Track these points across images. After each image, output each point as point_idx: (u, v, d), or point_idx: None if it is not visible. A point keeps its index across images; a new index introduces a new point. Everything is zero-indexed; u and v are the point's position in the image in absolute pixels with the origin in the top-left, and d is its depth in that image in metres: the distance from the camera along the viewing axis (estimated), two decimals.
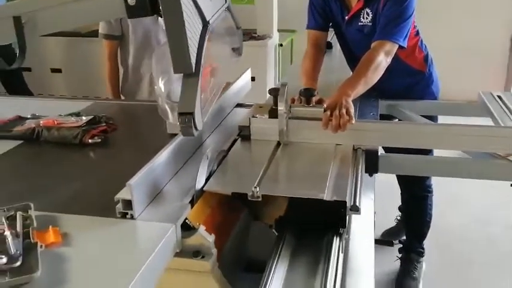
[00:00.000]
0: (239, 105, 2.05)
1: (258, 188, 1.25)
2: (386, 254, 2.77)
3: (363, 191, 1.38)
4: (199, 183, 1.28)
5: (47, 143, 1.65)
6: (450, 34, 4.91)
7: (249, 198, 1.25)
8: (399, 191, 2.66)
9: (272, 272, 1.14)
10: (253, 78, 2.36)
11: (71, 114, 1.79)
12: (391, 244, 2.87)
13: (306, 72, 2.07)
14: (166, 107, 1.18)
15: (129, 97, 2.88)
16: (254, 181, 1.32)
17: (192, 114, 1.05)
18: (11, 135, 1.69)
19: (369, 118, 1.92)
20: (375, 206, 1.55)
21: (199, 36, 1.13)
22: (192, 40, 1.07)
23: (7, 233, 0.99)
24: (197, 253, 1.15)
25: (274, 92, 1.63)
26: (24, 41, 1.10)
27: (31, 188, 1.35)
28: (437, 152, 2.10)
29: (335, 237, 1.27)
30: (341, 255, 1.24)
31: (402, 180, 2.56)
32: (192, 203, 1.23)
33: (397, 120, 2.22)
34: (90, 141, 1.62)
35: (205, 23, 1.17)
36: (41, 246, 0.99)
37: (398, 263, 2.71)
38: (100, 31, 2.79)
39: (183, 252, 1.14)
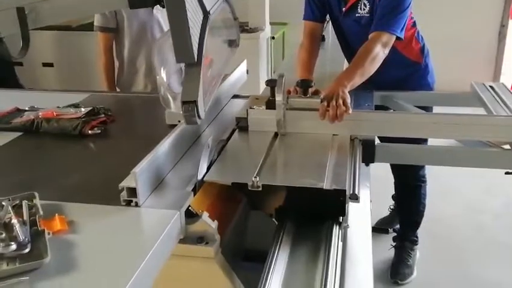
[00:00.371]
0: (235, 96, 2.07)
1: (258, 178, 1.27)
2: (381, 242, 2.82)
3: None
4: (201, 171, 1.30)
5: (47, 134, 1.65)
6: (439, 26, 4.94)
7: (250, 188, 1.27)
8: (393, 180, 2.69)
9: (274, 261, 1.15)
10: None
11: (70, 106, 1.80)
12: (386, 232, 2.92)
13: (302, 63, 2.08)
14: (168, 96, 1.20)
15: (125, 89, 2.89)
16: (254, 171, 1.34)
17: (195, 102, 1.08)
18: (10, 127, 1.69)
19: (364, 109, 1.93)
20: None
21: (200, 26, 1.14)
22: (193, 30, 1.09)
23: (14, 220, 1.01)
24: (201, 239, 1.17)
25: (271, 83, 1.63)
26: (27, 31, 1.11)
27: (33, 178, 1.36)
28: (431, 141, 2.13)
29: (334, 226, 1.29)
30: (340, 244, 1.26)
31: (397, 170, 2.59)
32: (195, 190, 1.25)
33: (392, 111, 2.25)
34: (90, 132, 1.63)
35: (206, 14, 1.18)
36: (48, 233, 1.00)
37: (392, 251, 2.75)
38: (95, 23, 2.79)
39: (187, 238, 1.17)
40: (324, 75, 2.20)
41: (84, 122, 1.65)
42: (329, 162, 1.42)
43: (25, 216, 1.06)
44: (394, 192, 2.91)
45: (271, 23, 4.85)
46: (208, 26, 1.17)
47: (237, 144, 1.62)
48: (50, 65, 4.88)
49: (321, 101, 1.62)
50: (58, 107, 1.81)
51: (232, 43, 1.69)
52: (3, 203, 1.09)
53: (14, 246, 0.94)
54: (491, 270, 2.73)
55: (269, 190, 1.31)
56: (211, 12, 1.20)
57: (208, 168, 1.37)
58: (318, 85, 1.75)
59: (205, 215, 1.18)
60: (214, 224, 1.18)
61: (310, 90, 1.70)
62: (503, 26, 5.48)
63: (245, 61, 2.22)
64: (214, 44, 1.47)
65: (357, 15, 2.09)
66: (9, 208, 1.06)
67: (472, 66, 5.48)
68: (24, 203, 1.10)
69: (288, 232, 1.29)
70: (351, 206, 1.41)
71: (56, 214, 1.08)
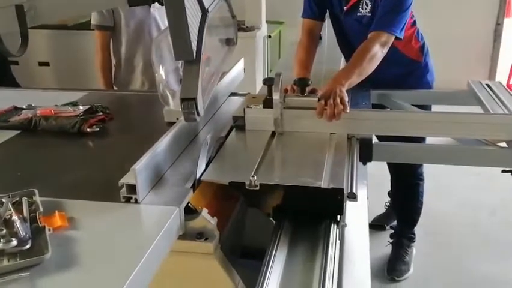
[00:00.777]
0: (233, 94, 2.08)
1: (255, 177, 1.27)
2: (378, 239, 2.83)
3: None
4: (200, 168, 1.30)
5: (45, 132, 1.66)
6: (434, 25, 4.94)
7: (247, 187, 1.26)
8: (388, 176, 2.71)
9: (272, 260, 1.16)
10: None
11: (68, 104, 1.80)
12: (383, 228, 2.93)
13: (300, 61, 2.08)
14: (167, 93, 1.21)
15: (122, 87, 2.89)
16: (251, 170, 1.34)
17: (194, 99, 1.08)
18: (8, 125, 1.69)
19: (361, 108, 1.92)
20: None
21: (199, 24, 1.15)
22: (192, 28, 1.09)
23: (15, 217, 1.02)
24: (200, 235, 1.18)
25: (268, 82, 1.63)
26: (26, 29, 1.12)
27: (32, 176, 1.36)
28: (429, 140, 2.14)
29: (332, 225, 1.29)
30: (338, 243, 1.26)
31: (394, 168, 2.60)
32: (194, 187, 1.25)
33: (389, 109, 2.25)
34: (88, 130, 1.63)
35: (204, 12, 1.19)
36: (49, 229, 1.01)
37: (389, 248, 2.77)
38: (92, 22, 2.80)
39: (187, 234, 1.17)
40: (320, 74, 2.20)
41: (82, 120, 1.65)
42: (326, 161, 1.42)
43: (25, 213, 1.06)
44: (390, 189, 2.93)
45: (267, 22, 4.85)
46: (206, 24, 1.18)
47: (234, 143, 1.62)
48: (46, 64, 4.87)
49: (319, 100, 1.62)
50: (56, 105, 1.81)
51: (230, 41, 1.69)
52: (3, 200, 1.09)
53: (14, 242, 0.94)
54: (487, 266, 2.74)
55: (266, 189, 1.30)
56: (209, 10, 1.21)
57: (206, 166, 1.37)
58: (314, 83, 1.76)
59: (205, 212, 1.19)
60: (213, 220, 1.19)
61: (308, 88, 1.69)
62: (498, 25, 5.50)
63: (242, 59, 2.23)
64: (212, 42, 1.48)
65: (358, 14, 2.09)
66: (10, 205, 1.07)
67: (467, 65, 5.49)
68: (24, 199, 1.11)
69: (286, 231, 1.29)
70: (349, 204, 1.41)
71: (56, 211, 1.09)
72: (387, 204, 3.11)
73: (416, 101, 2.24)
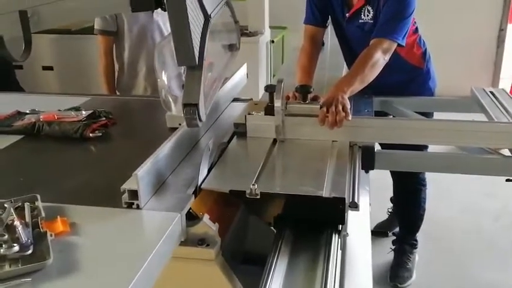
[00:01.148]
0: (235, 99, 2.08)
1: (256, 186, 1.25)
2: (380, 246, 2.82)
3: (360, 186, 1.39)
4: (202, 174, 1.30)
5: (48, 137, 1.66)
6: (437, 31, 4.95)
7: (247, 196, 1.25)
8: (391, 182, 2.70)
9: (272, 270, 1.15)
10: None
11: (71, 109, 1.81)
12: (385, 235, 2.92)
13: (302, 68, 2.08)
14: (170, 98, 1.21)
15: (124, 93, 2.90)
16: (252, 179, 1.33)
17: (196, 105, 1.08)
18: (11, 130, 1.70)
19: (364, 115, 1.91)
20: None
21: (201, 29, 1.15)
22: (194, 33, 1.09)
23: (17, 222, 1.02)
24: (201, 241, 1.18)
25: (270, 89, 1.62)
26: (30, 34, 1.12)
27: (35, 181, 1.37)
28: (432, 148, 2.13)
29: (334, 234, 1.28)
30: (340, 253, 1.25)
31: (397, 174, 2.59)
32: (195, 193, 1.25)
33: (391, 117, 2.24)
34: (91, 135, 1.64)
35: (207, 17, 1.19)
36: (50, 235, 1.01)
37: (391, 255, 2.76)
38: (95, 27, 2.81)
39: (188, 240, 1.17)
40: (322, 80, 2.19)
41: (85, 125, 1.66)
42: (328, 170, 1.40)
43: (27, 218, 1.06)
44: (392, 195, 2.92)
45: (270, 27, 4.86)
46: (209, 30, 1.18)
47: (235, 151, 1.60)
48: (50, 68, 4.89)
49: (321, 107, 1.61)
50: (59, 110, 1.82)
51: (232, 47, 1.70)
52: (6, 205, 1.09)
53: (16, 248, 0.94)
54: (490, 272, 2.73)
55: (267, 198, 1.29)
56: (212, 15, 1.21)
57: (209, 172, 1.37)
58: (317, 89, 1.75)
59: (206, 217, 1.19)
60: (214, 227, 1.19)
61: (310, 95, 1.68)
62: (502, 30, 5.49)
63: (245, 64, 2.23)
64: (215, 48, 1.48)
65: (360, 21, 2.09)
66: (12, 210, 1.07)
67: (470, 71, 5.48)
68: (26, 205, 1.11)
69: (287, 240, 1.28)
70: (351, 212, 1.39)
71: (58, 216, 1.09)
72: (390, 210, 3.10)
73: (419, 108, 2.24)
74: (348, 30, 2.19)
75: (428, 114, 2.30)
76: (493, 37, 5.55)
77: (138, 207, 1.15)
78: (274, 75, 4.85)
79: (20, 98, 2.37)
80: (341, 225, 1.31)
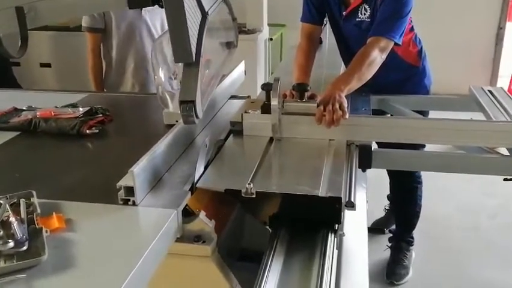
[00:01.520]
0: (233, 96, 2.08)
1: (251, 185, 1.25)
2: (377, 243, 2.83)
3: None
4: (199, 171, 1.30)
5: (45, 133, 1.66)
6: (436, 29, 4.96)
7: (243, 195, 1.24)
8: (387, 180, 2.70)
9: (268, 269, 1.14)
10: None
11: (67, 106, 1.81)
12: (382, 232, 2.93)
13: (299, 66, 2.07)
14: (166, 95, 1.21)
15: (112, 90, 2.89)
16: (248, 177, 1.31)
17: (193, 102, 1.08)
18: (7, 126, 1.70)
19: (361, 113, 1.91)
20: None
21: (198, 26, 1.15)
22: (192, 30, 1.09)
23: (12, 218, 1.02)
24: (198, 238, 1.18)
25: (267, 87, 1.61)
26: (26, 31, 1.11)
27: (31, 177, 1.36)
28: (429, 147, 2.13)
29: (330, 234, 1.28)
30: (336, 252, 1.24)
31: (393, 172, 2.59)
32: (192, 190, 1.25)
33: (389, 115, 2.24)
34: (88, 131, 1.63)
35: (204, 14, 1.19)
36: (46, 231, 1.01)
37: (388, 252, 2.76)
38: (83, 24, 2.80)
39: (184, 237, 1.17)
40: (320, 78, 2.19)
41: (82, 122, 1.65)
42: (324, 169, 1.39)
43: (23, 215, 1.06)
44: (389, 193, 2.93)
45: (269, 25, 4.85)
46: (206, 27, 1.18)
47: (232, 149, 1.59)
48: (48, 65, 4.87)
49: (318, 106, 1.60)
50: (56, 106, 1.81)
51: (230, 44, 1.69)
52: (1, 201, 1.09)
53: (11, 244, 0.94)
54: (486, 270, 2.74)
55: (263, 197, 1.28)
56: (209, 12, 1.21)
57: (205, 169, 1.37)
58: (314, 88, 1.74)
59: (202, 214, 1.19)
60: (211, 223, 1.19)
61: (307, 94, 1.67)
62: (500, 29, 5.50)
63: (243, 62, 2.23)
64: (212, 45, 1.48)
65: (357, 19, 2.09)
66: (7, 206, 1.07)
67: (469, 69, 5.49)
68: (22, 201, 1.11)
69: (283, 239, 1.28)
70: (347, 211, 1.41)
71: (54, 212, 1.09)
72: (387, 207, 3.11)
73: (417, 107, 2.23)
74: (345, 29, 2.18)
75: (424, 113, 2.30)
76: (492, 35, 5.55)
77: (134, 203, 1.15)
78: (272, 73, 4.85)
79: (17, 94, 2.37)
80: (337, 225, 1.30)
